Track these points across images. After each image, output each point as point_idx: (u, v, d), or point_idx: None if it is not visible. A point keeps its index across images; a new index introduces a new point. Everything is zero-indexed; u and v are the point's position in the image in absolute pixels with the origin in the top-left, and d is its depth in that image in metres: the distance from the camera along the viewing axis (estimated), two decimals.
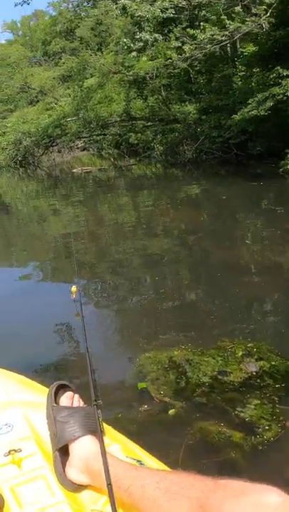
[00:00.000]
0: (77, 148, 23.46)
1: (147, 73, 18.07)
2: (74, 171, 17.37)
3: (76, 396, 1.34)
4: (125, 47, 12.03)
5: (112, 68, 20.26)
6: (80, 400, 1.34)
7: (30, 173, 20.81)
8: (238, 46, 14.23)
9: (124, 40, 11.69)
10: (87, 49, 29.54)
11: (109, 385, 2.90)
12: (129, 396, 2.82)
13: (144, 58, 18.30)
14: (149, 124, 18.20)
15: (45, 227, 9.41)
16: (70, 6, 40.60)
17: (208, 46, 10.58)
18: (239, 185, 10.71)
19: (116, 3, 11.15)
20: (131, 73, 18.64)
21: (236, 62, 16.17)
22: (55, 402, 1.31)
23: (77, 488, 1.13)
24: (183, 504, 0.88)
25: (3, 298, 4.89)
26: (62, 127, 19.69)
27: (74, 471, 1.14)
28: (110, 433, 1.32)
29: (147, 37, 10.90)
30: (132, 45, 11.45)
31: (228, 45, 11.98)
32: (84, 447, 1.16)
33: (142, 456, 1.25)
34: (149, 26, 11.62)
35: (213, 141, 13.95)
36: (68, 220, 9.48)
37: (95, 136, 20.06)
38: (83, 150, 23.16)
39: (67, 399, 1.32)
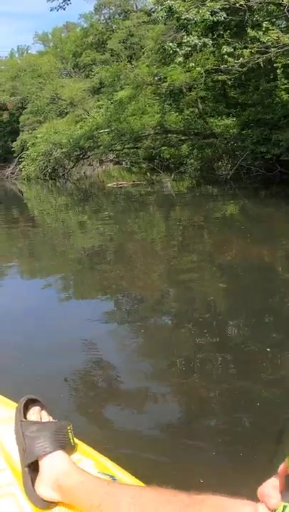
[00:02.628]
0: (109, 161, 22.94)
1: (184, 85, 17.52)
2: (109, 185, 16.74)
3: (44, 412, 1.29)
4: (170, 51, 11.28)
5: (146, 79, 19.76)
6: (50, 415, 1.29)
7: (60, 185, 20.31)
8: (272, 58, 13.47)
9: (170, 44, 10.94)
10: (117, 61, 29.31)
11: None
12: None
13: (180, 69, 17.79)
14: (184, 137, 17.55)
15: (71, 242, 8.89)
16: (102, 18, 40.82)
17: (272, 50, 9.75)
18: (282, 206, 9.98)
19: (161, 5, 10.37)
20: (166, 84, 18.08)
21: (277, 75, 15.58)
22: (24, 417, 1.26)
23: (48, 505, 1.10)
24: None
25: None
26: (95, 139, 19.17)
27: (44, 488, 1.11)
28: (82, 448, 1.29)
29: (196, 41, 10.14)
30: (177, 49, 10.71)
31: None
32: (54, 463, 1.14)
33: (115, 471, 1.21)
34: (196, 31, 10.89)
35: (256, 157, 13.17)
36: (96, 235, 9.03)
37: (127, 150, 19.45)
38: (116, 164, 22.61)
39: (36, 414, 1.27)
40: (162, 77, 18.71)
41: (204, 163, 16.01)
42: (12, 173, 23.71)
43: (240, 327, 4.01)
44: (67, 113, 30.78)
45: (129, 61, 27.24)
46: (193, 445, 2.53)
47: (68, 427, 1.22)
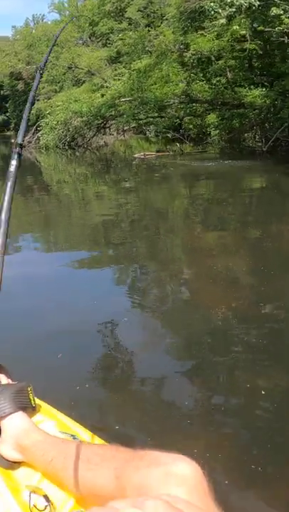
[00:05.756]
0: (130, 130, 22.29)
1: (212, 52, 16.85)
2: (135, 155, 16.16)
3: (2, 375, 1.27)
4: (212, 12, 10.55)
5: (171, 46, 19.06)
6: (9, 378, 1.29)
7: (79, 155, 19.78)
8: None
9: (211, 4, 10.24)
10: (136, 30, 28.45)
11: None
12: None
13: (208, 36, 17.09)
14: (211, 107, 16.92)
15: (89, 213, 8.46)
16: None
17: None
18: None
19: None
20: (194, 52, 17.40)
21: None
22: None
23: (11, 465, 1.11)
24: (101, 474, 0.90)
25: None
26: (116, 108, 18.56)
27: (6, 448, 1.13)
28: (44, 409, 1.30)
29: (241, 1, 9.46)
30: (219, 10, 10.03)
31: None
32: (14, 423, 1.16)
33: (77, 430, 1.22)
34: None
35: None
36: (115, 206, 8.57)
37: (151, 119, 18.81)
38: (139, 133, 21.96)
39: None
40: (186, 45, 18.02)
41: (233, 135, 15.40)
42: (29, 142, 23.13)
43: (266, 310, 3.57)
44: (83, 82, 30.07)
45: (148, 31, 26.41)
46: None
47: (29, 388, 1.24)
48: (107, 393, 2.63)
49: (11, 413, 1.17)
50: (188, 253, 5.37)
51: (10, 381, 1.30)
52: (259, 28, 12.23)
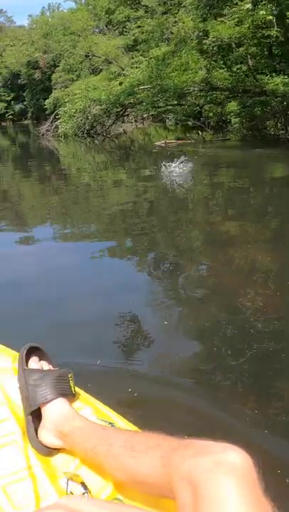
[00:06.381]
0: (148, 118, 22.21)
1: (233, 40, 16.66)
2: (156, 143, 16.07)
3: (44, 361, 1.30)
4: None
5: (191, 33, 18.89)
6: (50, 364, 1.30)
7: (98, 143, 19.79)
8: None
9: None
10: (152, 18, 28.24)
11: None
12: None
13: (226, 24, 16.89)
14: (231, 95, 16.78)
15: (108, 200, 8.36)
16: None
17: None
18: None
19: None
20: (214, 39, 17.22)
21: None
22: (26, 366, 1.27)
23: (50, 451, 1.13)
24: (146, 462, 0.90)
25: None
26: (135, 95, 18.49)
27: (46, 435, 1.15)
28: (82, 396, 1.30)
29: None
30: None
31: None
32: (55, 410, 1.17)
33: (114, 418, 1.23)
34: None
35: None
36: (134, 194, 8.48)
37: (170, 107, 18.72)
38: (159, 121, 21.91)
39: (37, 362, 1.29)
40: (205, 32, 17.82)
41: (255, 122, 15.28)
42: (47, 131, 23.19)
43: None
44: (100, 70, 30.03)
45: (166, 18, 26.21)
46: None
47: (69, 375, 1.24)
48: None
49: (52, 399, 1.18)
50: (210, 243, 5.24)
51: (51, 367, 1.32)
52: (287, 13, 12.02)
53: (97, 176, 11.44)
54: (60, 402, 1.19)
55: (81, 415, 1.16)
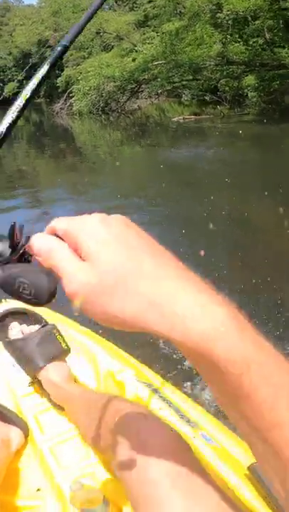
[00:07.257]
0: (162, 94, 22.07)
1: (248, 12, 16.46)
2: (174, 119, 15.91)
3: (24, 325, 1.25)
4: None
5: (203, 7, 18.62)
6: (33, 322, 1.26)
7: (113, 120, 19.73)
8: None
9: None
10: None
11: None
12: None
13: None
14: (248, 69, 16.62)
15: (125, 176, 8.27)
16: None
17: None
18: None
19: None
20: (229, 12, 17.00)
21: None
22: (7, 336, 1.23)
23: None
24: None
25: None
26: (149, 71, 18.38)
27: (54, 392, 1.15)
28: (122, 357, 1.31)
29: None
30: None
31: None
32: (48, 378, 1.16)
33: (153, 379, 1.24)
34: None
35: None
36: (155, 172, 8.28)
37: (186, 82, 18.58)
38: (175, 96, 21.76)
39: (17, 328, 1.26)
40: (218, 5, 17.55)
41: (274, 96, 15.13)
42: (61, 109, 23.14)
43: None
44: (112, 47, 29.76)
45: None
46: None
47: (54, 331, 1.18)
48: None
49: (41, 368, 1.16)
50: (226, 223, 4.90)
51: (32, 327, 1.24)
52: None
53: (114, 152, 11.43)
54: (51, 369, 1.16)
55: (72, 382, 1.17)
